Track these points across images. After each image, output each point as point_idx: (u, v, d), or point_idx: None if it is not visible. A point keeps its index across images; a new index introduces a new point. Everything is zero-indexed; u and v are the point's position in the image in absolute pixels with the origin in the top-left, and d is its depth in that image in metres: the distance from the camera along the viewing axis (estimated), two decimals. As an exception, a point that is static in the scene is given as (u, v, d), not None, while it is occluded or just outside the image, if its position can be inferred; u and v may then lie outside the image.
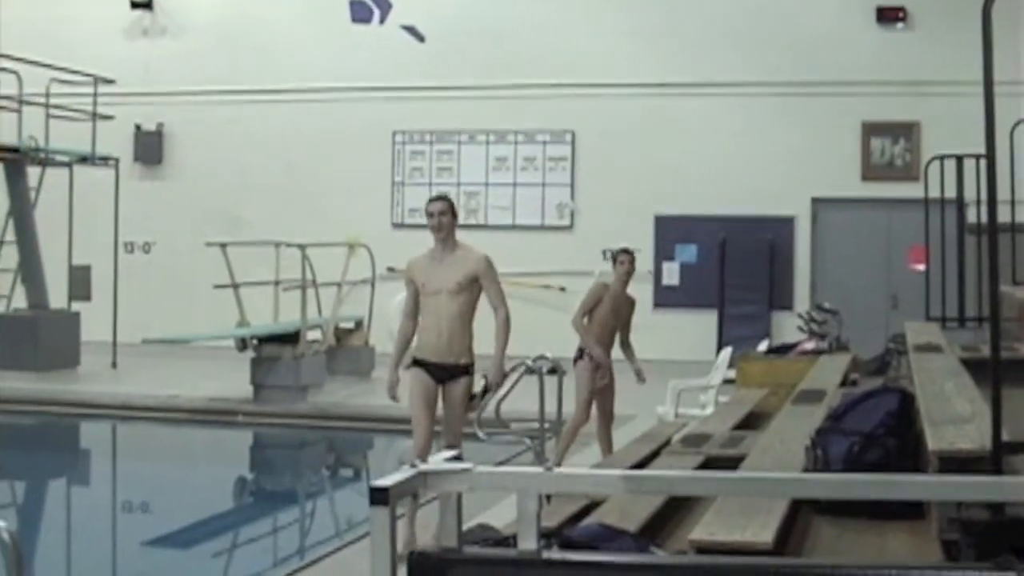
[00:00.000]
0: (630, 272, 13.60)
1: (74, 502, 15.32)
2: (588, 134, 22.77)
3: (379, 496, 3.91)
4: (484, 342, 10.53)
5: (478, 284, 10.27)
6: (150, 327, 20.29)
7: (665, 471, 5.85)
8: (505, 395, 12.97)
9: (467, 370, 10.34)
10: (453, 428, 10.41)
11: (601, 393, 13.16)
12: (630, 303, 13.62)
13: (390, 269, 21.46)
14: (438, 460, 4.32)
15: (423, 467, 4.15)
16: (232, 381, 18.82)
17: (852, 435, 7.25)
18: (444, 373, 10.25)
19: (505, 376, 10.54)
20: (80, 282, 21.77)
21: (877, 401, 7.57)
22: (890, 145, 21.89)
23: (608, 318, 13.22)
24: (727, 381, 15.27)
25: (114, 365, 21.56)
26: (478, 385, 10.54)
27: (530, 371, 11.20)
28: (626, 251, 13.68)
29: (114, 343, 21.70)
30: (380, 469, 16.66)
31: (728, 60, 22.12)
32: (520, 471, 4.48)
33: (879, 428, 7.24)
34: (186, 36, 24.69)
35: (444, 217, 10.26)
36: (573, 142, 22.85)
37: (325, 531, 13.10)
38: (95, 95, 21.89)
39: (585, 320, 13.26)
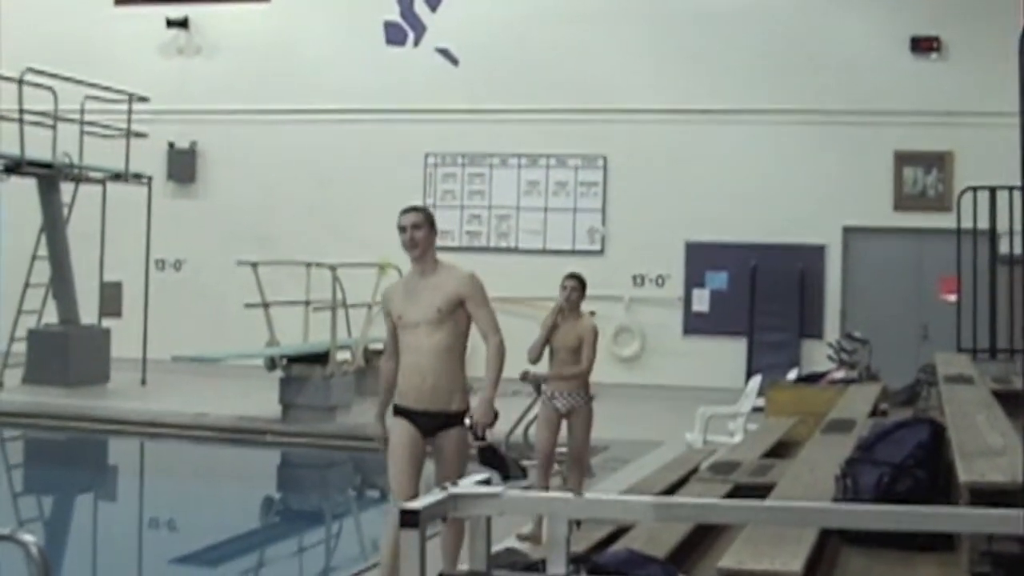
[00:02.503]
0: (569, 299, 11.21)
1: (101, 518, 15.33)
2: (620, 159, 22.76)
3: (409, 518, 3.91)
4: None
5: (465, 310, 8.43)
6: (180, 344, 20.34)
7: (695, 499, 5.82)
8: (532, 420, 13.01)
9: (460, 418, 8.49)
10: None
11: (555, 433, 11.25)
12: (575, 330, 11.14)
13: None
14: (468, 482, 4.32)
15: (453, 490, 4.16)
16: (261, 400, 18.83)
17: (882, 465, 7.23)
18: (430, 423, 8.38)
19: (496, 417, 8.52)
20: (111, 298, 21.84)
21: (908, 432, 7.55)
22: (923, 175, 21.82)
23: (556, 351, 11.18)
24: (756, 409, 15.22)
25: (143, 382, 21.61)
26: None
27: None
28: (572, 275, 11.53)
29: (144, 360, 21.75)
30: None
31: (762, 87, 22.10)
32: (550, 496, 4.49)
33: (909, 459, 7.22)
34: (221, 55, 24.78)
35: (418, 232, 8.44)
36: (605, 167, 22.84)
37: (351, 552, 13.09)
38: (129, 112, 21.97)
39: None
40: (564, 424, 11.13)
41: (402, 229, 8.46)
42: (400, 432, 8.43)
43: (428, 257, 8.49)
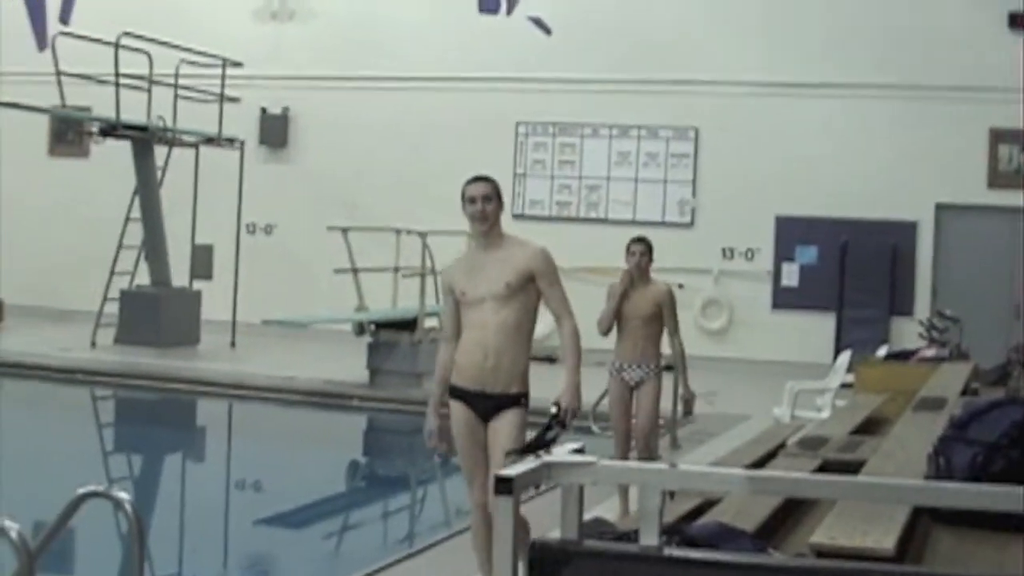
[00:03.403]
0: (639, 266, 10.82)
1: (188, 478, 15.53)
2: (712, 131, 22.65)
3: (504, 486, 3.92)
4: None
5: (535, 287, 7.86)
6: (269, 308, 20.48)
7: (789, 473, 5.80)
8: (603, 395, 12.90)
9: (517, 401, 7.87)
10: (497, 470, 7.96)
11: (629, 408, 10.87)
12: (649, 294, 10.79)
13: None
14: (563, 451, 4.32)
15: (547, 458, 4.16)
16: (348, 365, 18.94)
17: (976, 445, 7.15)
18: (487, 405, 7.84)
19: (580, 404, 7.89)
20: (202, 261, 22.06)
21: (1002, 412, 7.46)
22: (1018, 153, 21.55)
23: (628, 320, 10.77)
24: (845, 385, 15.12)
25: (233, 344, 21.80)
26: (535, 421, 7.90)
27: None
28: (639, 239, 11.08)
29: (233, 323, 21.96)
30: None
31: (856, 61, 21.89)
32: (644, 466, 4.48)
33: (1003, 439, 7.14)
34: (314, 21, 24.86)
35: (489, 204, 7.88)
36: (696, 139, 22.74)
37: (436, 518, 13.15)
38: (223, 77, 22.14)
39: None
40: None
41: (471, 200, 7.88)
42: (459, 419, 7.94)
43: (494, 231, 7.93)
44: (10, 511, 5.74)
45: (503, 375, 7.79)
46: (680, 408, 11.31)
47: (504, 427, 7.77)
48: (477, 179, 7.99)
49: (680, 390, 11.30)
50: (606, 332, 10.77)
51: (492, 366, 7.77)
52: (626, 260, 10.87)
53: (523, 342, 7.89)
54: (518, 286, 7.78)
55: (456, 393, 7.93)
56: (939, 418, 9.37)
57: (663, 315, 10.76)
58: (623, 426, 10.70)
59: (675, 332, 10.91)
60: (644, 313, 10.67)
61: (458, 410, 7.91)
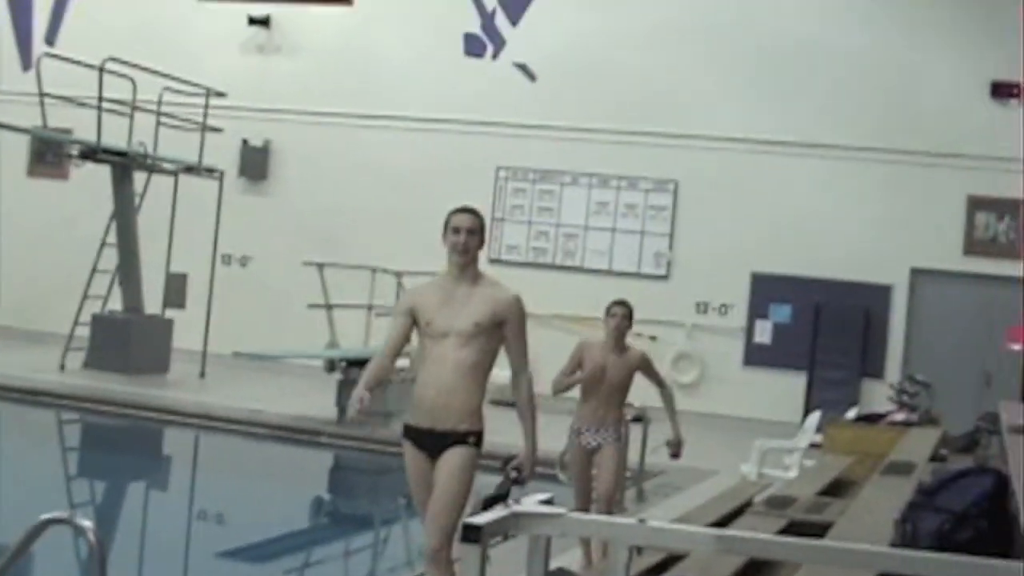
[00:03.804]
0: (619, 329, 10.53)
1: (151, 507, 15.41)
2: (691, 185, 22.69)
3: (471, 534, 3.90)
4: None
5: (500, 332, 7.71)
6: (241, 340, 20.44)
7: (758, 534, 5.77)
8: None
9: (465, 439, 7.63)
10: (437, 517, 7.56)
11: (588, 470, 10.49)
12: (625, 364, 10.48)
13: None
14: (532, 501, 4.30)
15: (516, 508, 4.13)
16: (318, 401, 18.88)
17: (944, 513, 7.15)
18: (435, 442, 7.63)
19: (535, 468, 7.73)
20: (176, 290, 21.96)
21: (971, 481, 7.46)
22: (995, 221, 21.62)
23: (593, 383, 10.43)
24: (813, 445, 15.13)
25: (202, 375, 21.72)
26: (490, 481, 7.60)
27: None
28: (620, 302, 10.79)
29: (204, 353, 21.88)
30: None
31: (837, 122, 21.99)
32: (613, 521, 4.46)
33: (972, 508, 7.14)
34: (300, 56, 24.89)
35: (472, 237, 7.72)
36: (675, 192, 22.78)
37: (397, 559, 13.08)
38: (206, 107, 22.13)
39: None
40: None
41: (455, 230, 7.71)
42: (410, 462, 7.74)
43: (472, 266, 7.76)
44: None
45: (453, 413, 7.59)
46: (668, 452, 11.01)
47: (447, 466, 7.58)
48: (465, 210, 7.85)
49: (670, 435, 11.02)
50: (557, 394, 10.34)
51: (443, 403, 7.58)
52: (604, 322, 10.57)
53: (478, 381, 7.67)
54: (485, 327, 7.62)
55: (408, 432, 7.76)
56: (907, 483, 9.38)
57: (631, 381, 10.49)
58: (582, 484, 10.41)
59: (662, 384, 10.81)
60: (615, 381, 10.38)
61: (409, 451, 7.74)
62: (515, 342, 7.76)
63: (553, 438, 10.32)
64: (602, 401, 10.37)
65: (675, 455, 10.93)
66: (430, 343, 7.68)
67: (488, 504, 4.25)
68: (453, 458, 7.58)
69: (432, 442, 7.61)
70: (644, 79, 22.81)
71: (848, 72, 22.08)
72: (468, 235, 7.71)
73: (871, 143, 21.80)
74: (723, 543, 4.23)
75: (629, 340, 10.51)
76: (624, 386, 10.47)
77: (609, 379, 10.36)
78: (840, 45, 22.13)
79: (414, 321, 7.77)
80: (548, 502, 4.39)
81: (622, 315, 10.53)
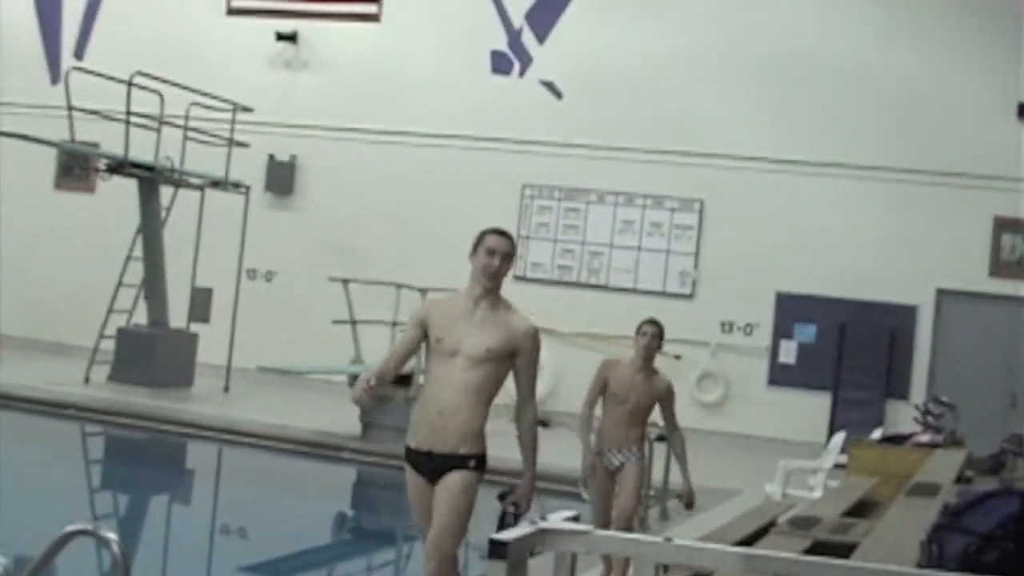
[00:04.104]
0: (649, 348, 10.27)
1: (174, 520, 15.43)
2: (717, 204, 22.67)
3: (498, 550, 3.88)
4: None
5: (511, 361, 7.48)
6: (265, 355, 20.50)
7: (785, 553, 5.75)
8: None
9: (465, 463, 7.39)
10: (437, 543, 7.35)
11: (610, 489, 10.26)
12: (651, 389, 10.25)
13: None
14: (558, 518, 4.30)
15: (543, 524, 4.12)
16: (341, 416, 18.86)
17: (970, 534, 7.10)
18: (434, 465, 7.40)
19: (530, 502, 7.31)
20: (201, 304, 22.00)
21: (997, 502, 7.41)
22: (1021, 242, 21.55)
23: (617, 405, 10.24)
24: (838, 466, 15.07)
25: (226, 389, 21.76)
26: (490, 506, 7.67)
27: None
28: (652, 322, 10.50)
29: (228, 367, 21.92)
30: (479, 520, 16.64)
31: (865, 143, 21.95)
32: (640, 539, 4.44)
33: (998, 530, 7.08)
34: (327, 71, 24.95)
35: (506, 263, 7.55)
36: (701, 211, 22.75)
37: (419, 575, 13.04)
38: (233, 122, 22.19)
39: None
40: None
41: (491, 252, 7.51)
42: (411, 487, 7.53)
43: (498, 289, 7.59)
44: (-4, 544, 5.69)
45: (452, 435, 7.34)
46: (682, 503, 10.72)
47: (446, 492, 7.35)
48: (502, 233, 7.65)
49: (682, 485, 10.65)
50: (585, 427, 10.15)
51: (442, 425, 7.34)
52: (635, 340, 10.31)
53: (480, 405, 7.41)
54: (497, 354, 7.40)
55: (408, 455, 7.53)
56: (932, 504, 9.33)
57: (655, 405, 10.28)
58: (602, 503, 10.20)
59: (675, 428, 10.41)
60: (641, 402, 10.19)
61: (409, 475, 7.53)
62: (525, 373, 7.56)
63: (578, 456, 10.26)
64: (625, 420, 10.16)
65: (689, 505, 10.64)
66: (437, 361, 7.48)
67: (495, 544, 4.20)
68: (452, 483, 7.35)
69: (431, 465, 7.39)
70: (670, 98, 22.82)
71: (875, 92, 22.04)
72: (503, 260, 7.52)
73: (897, 163, 21.76)
74: (749, 562, 4.22)
75: (628, 354, 10.37)
76: (648, 407, 10.26)
77: (635, 400, 10.14)
78: (867, 65, 22.09)
79: (425, 334, 7.58)
80: (574, 519, 4.37)
81: (652, 334, 10.28)
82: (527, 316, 7.71)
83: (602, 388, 10.25)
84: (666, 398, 10.28)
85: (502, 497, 7.35)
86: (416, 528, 7.71)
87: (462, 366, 7.36)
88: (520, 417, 7.57)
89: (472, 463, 7.38)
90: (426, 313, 7.69)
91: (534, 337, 7.54)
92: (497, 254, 7.50)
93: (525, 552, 4.03)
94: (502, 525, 6.72)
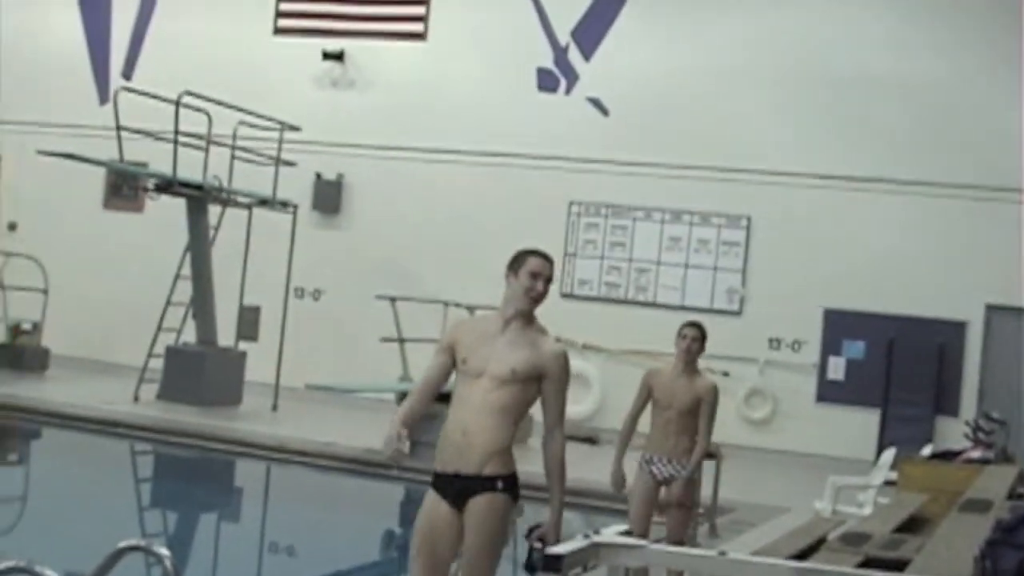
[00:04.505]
0: (690, 351, 10.17)
1: (223, 537, 15.48)
2: (764, 221, 22.62)
3: (552, 564, 3.89)
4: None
5: (538, 385, 7.13)
6: (313, 373, 20.58)
7: (837, 566, 5.72)
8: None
9: (493, 484, 7.02)
10: (470, 569, 7.03)
11: (652, 500, 10.21)
12: (693, 391, 10.16)
13: (556, 339, 21.59)
14: (612, 532, 4.29)
15: (597, 538, 4.12)
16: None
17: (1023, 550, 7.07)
18: (459, 487, 7.05)
19: (558, 535, 6.54)
20: (249, 322, 22.07)
21: (1051, 518, 7.37)
22: (1072, 258, 21.39)
23: (661, 412, 10.18)
24: (888, 482, 14.99)
25: (275, 407, 21.81)
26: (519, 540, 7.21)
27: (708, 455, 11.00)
28: (692, 324, 10.38)
29: (276, 385, 21.98)
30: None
31: (910, 157, 21.86)
32: (693, 552, 4.44)
33: (1052, 545, 7.05)
34: (373, 90, 25.02)
35: (548, 287, 7.30)
36: (748, 228, 22.70)
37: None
38: (280, 141, 22.27)
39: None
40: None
41: (534, 275, 7.24)
42: (423, 513, 7.22)
43: (532, 314, 7.30)
44: (46, 561, 5.72)
45: (476, 454, 7.00)
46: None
47: (474, 516, 7.01)
48: (543, 256, 7.34)
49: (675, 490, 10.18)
50: (625, 439, 10.16)
51: (466, 444, 7.02)
52: (676, 344, 10.20)
53: (505, 424, 7.07)
54: (523, 376, 7.08)
55: (434, 481, 7.20)
56: (984, 520, 9.26)
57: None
58: (643, 513, 10.05)
59: (706, 435, 10.15)
60: (683, 405, 10.04)
61: (430, 501, 7.18)
62: (553, 399, 7.17)
63: (630, 474, 10.24)
64: (672, 428, 10.07)
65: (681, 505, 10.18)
66: (462, 382, 7.19)
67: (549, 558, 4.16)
68: (479, 507, 7.00)
69: (456, 488, 7.05)
70: (716, 114, 22.80)
71: (921, 107, 21.95)
72: (546, 284, 7.27)
73: (945, 178, 21.65)
74: (802, 575, 4.20)
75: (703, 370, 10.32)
76: (693, 413, 10.09)
77: (678, 404, 10.05)
78: (912, 80, 22.02)
79: (454, 358, 7.29)
80: (627, 533, 4.37)
81: (692, 337, 10.15)
82: (555, 340, 7.38)
83: (647, 398, 10.19)
84: (708, 400, 10.11)
85: (530, 532, 6.87)
86: (411, 554, 7.24)
87: (487, 387, 7.08)
88: (548, 444, 7.17)
89: (500, 484, 7.02)
90: (453, 336, 7.40)
91: (562, 359, 7.21)
92: (541, 277, 7.25)
93: (578, 566, 4.03)
94: (530, 560, 6.54)
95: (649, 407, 10.27)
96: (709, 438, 10.21)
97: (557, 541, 6.48)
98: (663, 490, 10.18)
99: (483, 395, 7.05)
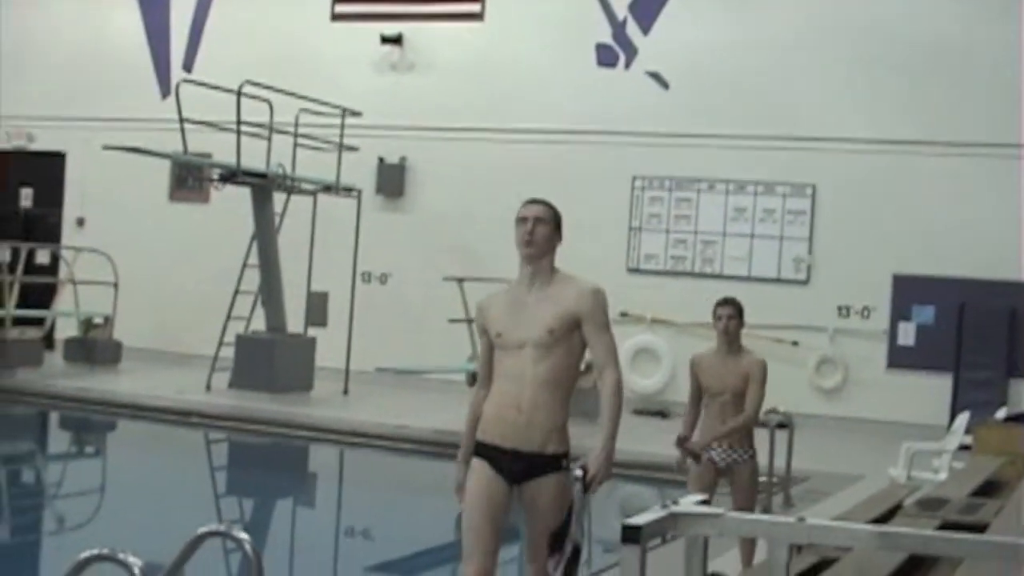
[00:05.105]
0: (727, 331, 9.90)
1: (299, 522, 15.59)
2: (829, 189, 22.48)
3: (631, 534, 3.89)
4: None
5: (580, 335, 6.91)
6: (383, 356, 20.67)
7: (920, 530, 5.69)
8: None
9: (558, 463, 6.88)
10: (540, 554, 6.89)
11: (713, 488, 9.82)
12: (741, 370, 9.88)
13: (623, 314, 21.61)
14: (688, 502, 4.30)
15: (674, 508, 4.13)
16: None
17: (1103, 509, 7.03)
18: (520, 466, 6.84)
19: (610, 473, 6.79)
20: (317, 308, 22.19)
21: None
22: None
23: (714, 399, 9.92)
24: (963, 447, 14.91)
25: (346, 391, 21.91)
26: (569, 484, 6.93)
27: (761, 424, 10.93)
28: (726, 301, 10.08)
29: (347, 370, 22.08)
30: (600, 511, 16.64)
31: (977, 120, 21.64)
32: (772, 519, 4.44)
33: None
34: (433, 72, 25.04)
35: (541, 226, 7.02)
36: (813, 196, 22.58)
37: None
38: (342, 127, 22.34)
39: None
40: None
41: (522, 220, 7.01)
42: (479, 480, 6.93)
43: (544, 264, 7.00)
44: (128, 549, 5.79)
45: (538, 432, 6.81)
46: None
47: (544, 496, 6.82)
48: (532, 200, 7.15)
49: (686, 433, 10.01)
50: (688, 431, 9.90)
51: (526, 422, 6.80)
52: (713, 325, 9.98)
53: (562, 396, 6.87)
54: (562, 332, 6.83)
55: (481, 451, 6.96)
56: (1062, 482, 9.22)
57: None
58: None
59: (754, 405, 9.81)
60: (735, 388, 9.78)
61: (480, 471, 6.94)
62: (596, 339, 6.89)
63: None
64: (729, 412, 9.79)
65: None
66: (505, 356, 6.94)
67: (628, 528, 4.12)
68: (550, 492, 6.84)
69: (516, 464, 6.84)
70: (777, 83, 22.67)
71: (987, 68, 21.71)
72: (536, 223, 6.99)
73: (1012, 139, 21.42)
74: (885, 540, 4.20)
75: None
76: (744, 393, 9.81)
77: (730, 388, 9.79)
78: (976, 42, 21.79)
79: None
80: (705, 502, 4.38)
81: (728, 315, 9.84)
82: (583, 279, 7.07)
83: (699, 384, 9.96)
84: (755, 375, 9.80)
85: (582, 469, 6.72)
86: (464, 531, 7.00)
87: (533, 356, 6.83)
88: (602, 383, 6.87)
89: (564, 462, 6.88)
90: (482, 317, 7.17)
91: (594, 295, 6.93)
92: (529, 219, 7.00)
93: (656, 536, 4.04)
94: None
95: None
96: (756, 410, 9.91)
97: (605, 474, 6.67)
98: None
99: (532, 367, 6.83)
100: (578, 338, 6.86)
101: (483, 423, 6.94)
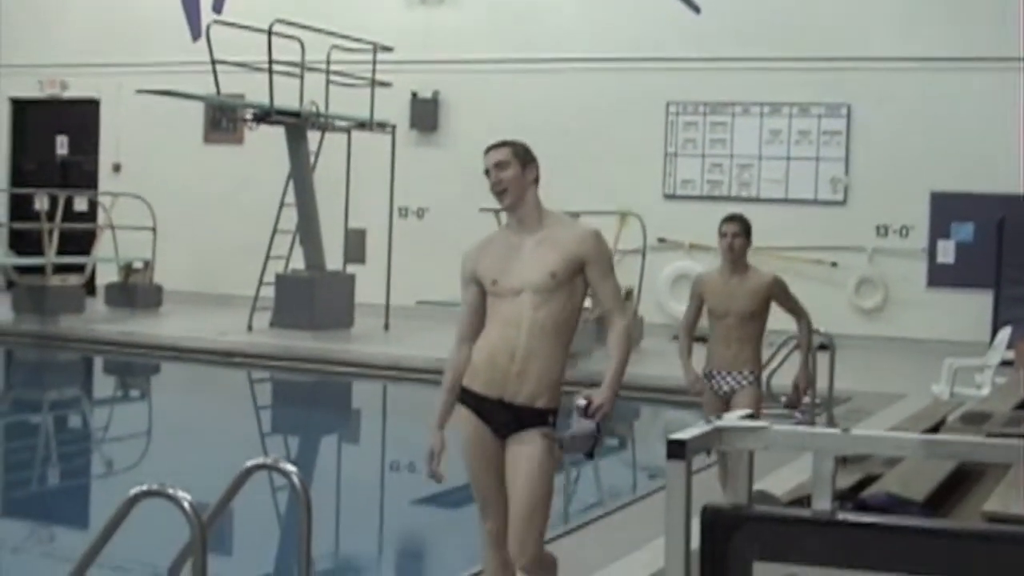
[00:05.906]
0: (732, 248, 9.50)
1: (344, 457, 15.71)
2: (864, 108, 22.35)
3: (676, 449, 3.91)
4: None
5: (583, 278, 6.50)
6: (421, 291, 20.71)
7: (968, 437, 5.69)
8: (776, 368, 12.93)
9: (545, 419, 6.45)
10: (522, 531, 6.48)
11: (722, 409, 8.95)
12: (750, 292, 9.45)
13: (661, 240, 21.62)
14: (734, 416, 4.31)
15: (718, 423, 4.14)
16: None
17: None
18: (505, 417, 6.47)
19: (612, 408, 6.47)
20: (355, 245, 22.25)
21: None
22: None
23: (718, 322, 9.54)
24: (1005, 362, 14.89)
25: (386, 327, 21.99)
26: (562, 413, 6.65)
27: (799, 346, 10.92)
28: (732, 217, 9.72)
29: (387, 305, 22.16)
30: (644, 438, 16.70)
31: (1012, 34, 21.43)
32: (817, 431, 4.46)
33: None
34: (463, 5, 24.93)
35: (504, 171, 6.55)
36: (848, 116, 22.46)
37: (589, 499, 13.14)
38: (374, 63, 22.29)
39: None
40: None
41: (486, 172, 6.61)
42: (471, 438, 6.62)
43: (526, 205, 6.59)
44: (177, 485, 5.85)
45: (530, 383, 6.41)
46: (789, 396, 9.95)
47: (527, 464, 6.43)
48: (491, 147, 6.65)
49: (797, 374, 9.82)
50: (686, 352, 9.55)
51: (518, 371, 6.40)
52: (718, 243, 9.59)
53: (560, 347, 6.48)
54: (563, 277, 6.43)
55: (468, 400, 6.59)
56: (1106, 392, 9.20)
57: (765, 311, 9.47)
58: None
59: (801, 314, 9.65)
60: (742, 310, 9.38)
61: (469, 423, 6.60)
62: (601, 284, 6.53)
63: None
64: (734, 336, 9.39)
65: (792, 404, 9.88)
66: (501, 303, 6.52)
67: (673, 443, 4.11)
68: (532, 453, 6.44)
69: (501, 415, 6.49)
70: (808, 3, 22.53)
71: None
72: (497, 170, 6.55)
73: (1049, 52, 21.26)
74: (930, 448, 4.20)
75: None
76: (754, 316, 9.41)
77: (736, 310, 9.40)
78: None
79: (481, 287, 6.68)
80: (751, 416, 4.40)
81: (733, 233, 9.48)
82: (581, 223, 7.01)
83: (699, 307, 9.60)
84: (775, 294, 9.48)
85: (586, 399, 6.43)
86: (475, 490, 6.78)
87: (532, 302, 6.43)
88: (610, 329, 6.55)
89: (551, 419, 6.48)
90: (471, 266, 6.74)
91: (596, 239, 6.56)
92: (491, 170, 6.59)
93: (701, 451, 4.06)
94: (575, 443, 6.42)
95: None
96: (805, 316, 9.72)
97: (607, 405, 6.38)
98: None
99: (531, 313, 6.43)
100: (580, 283, 6.52)
101: (472, 368, 6.55)
